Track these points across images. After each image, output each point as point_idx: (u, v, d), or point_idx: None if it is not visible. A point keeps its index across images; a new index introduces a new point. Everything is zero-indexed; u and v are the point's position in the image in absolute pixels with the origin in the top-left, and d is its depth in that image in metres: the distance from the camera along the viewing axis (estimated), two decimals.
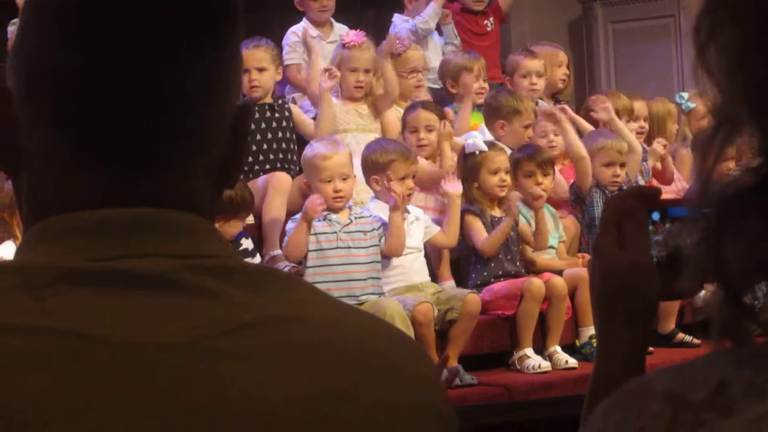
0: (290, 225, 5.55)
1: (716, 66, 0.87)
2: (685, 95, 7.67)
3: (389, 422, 0.94)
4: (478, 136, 6.06)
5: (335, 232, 5.51)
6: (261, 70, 6.20)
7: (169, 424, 0.88)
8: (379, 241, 5.55)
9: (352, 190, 5.62)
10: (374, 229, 5.55)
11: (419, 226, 5.79)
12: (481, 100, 6.91)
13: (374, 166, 5.72)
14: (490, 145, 6.03)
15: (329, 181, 5.51)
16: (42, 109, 0.98)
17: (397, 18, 7.33)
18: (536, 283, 5.76)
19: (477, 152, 5.93)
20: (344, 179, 5.54)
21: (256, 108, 6.16)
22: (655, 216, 1.22)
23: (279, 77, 6.42)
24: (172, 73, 0.97)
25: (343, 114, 6.42)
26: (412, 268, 5.76)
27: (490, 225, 5.92)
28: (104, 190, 0.97)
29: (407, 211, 5.75)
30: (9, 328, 0.89)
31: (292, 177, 6.09)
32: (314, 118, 6.52)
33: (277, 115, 6.27)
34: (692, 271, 0.89)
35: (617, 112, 6.97)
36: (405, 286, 5.71)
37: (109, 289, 0.91)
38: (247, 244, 5.52)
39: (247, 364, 0.91)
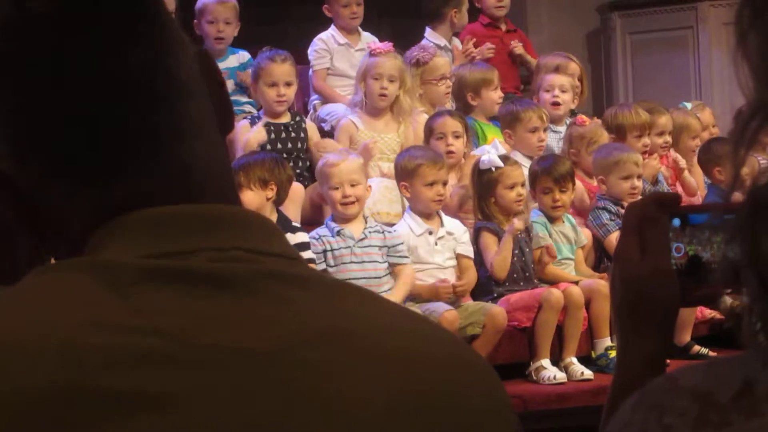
0: None
1: (755, 52, 0.88)
2: (689, 105, 7.61)
3: (468, 424, 0.95)
4: (491, 152, 5.97)
5: (349, 247, 5.56)
6: (288, 84, 6.27)
7: None
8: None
9: (363, 195, 5.66)
10: (386, 246, 5.60)
11: (446, 244, 5.79)
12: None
13: (403, 172, 5.78)
14: (505, 159, 5.98)
15: (337, 188, 5.59)
16: (50, 156, 0.96)
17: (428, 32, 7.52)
18: (555, 293, 5.74)
19: (493, 168, 5.92)
20: (353, 185, 5.61)
21: (272, 127, 6.19)
22: (676, 222, 1.22)
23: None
24: (128, 71, 0.96)
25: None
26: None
27: None
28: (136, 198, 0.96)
29: (442, 224, 5.79)
30: (95, 324, 0.88)
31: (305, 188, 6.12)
32: (332, 128, 6.53)
33: (293, 135, 6.31)
34: (723, 270, 0.89)
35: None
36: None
37: (194, 290, 0.91)
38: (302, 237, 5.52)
39: (327, 374, 0.91)
